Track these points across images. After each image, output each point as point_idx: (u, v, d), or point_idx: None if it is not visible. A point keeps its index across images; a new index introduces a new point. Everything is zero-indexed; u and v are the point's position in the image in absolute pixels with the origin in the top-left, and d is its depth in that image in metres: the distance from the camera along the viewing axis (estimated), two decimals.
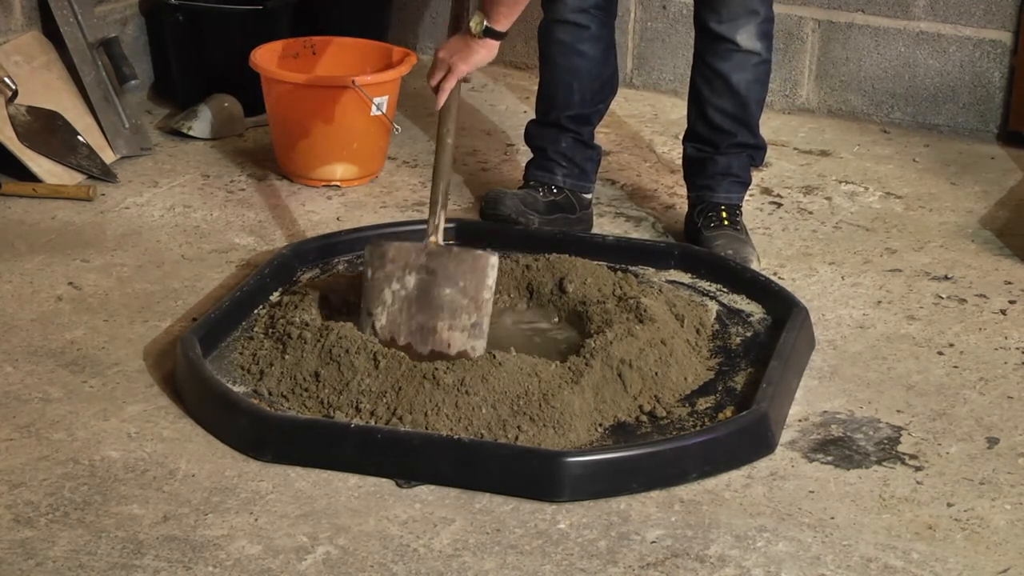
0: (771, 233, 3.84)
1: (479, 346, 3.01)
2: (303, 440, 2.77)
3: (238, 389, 2.96)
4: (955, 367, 3.20)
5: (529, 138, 3.86)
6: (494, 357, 2.91)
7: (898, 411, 3.02)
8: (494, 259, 3.05)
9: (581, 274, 3.32)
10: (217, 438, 2.84)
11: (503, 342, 3.10)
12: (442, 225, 3.16)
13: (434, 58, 3.25)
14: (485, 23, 3.18)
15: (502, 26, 3.20)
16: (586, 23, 3.67)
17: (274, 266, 3.37)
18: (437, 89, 3.23)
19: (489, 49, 3.23)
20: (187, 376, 2.97)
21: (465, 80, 3.25)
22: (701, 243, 3.63)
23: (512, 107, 4.63)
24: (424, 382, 2.85)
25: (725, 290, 3.44)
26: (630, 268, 3.49)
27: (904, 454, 2.87)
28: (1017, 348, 3.28)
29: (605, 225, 3.84)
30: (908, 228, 3.89)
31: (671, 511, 2.67)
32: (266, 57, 4.09)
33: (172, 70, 4.53)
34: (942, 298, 3.51)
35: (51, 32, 4.23)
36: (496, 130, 4.47)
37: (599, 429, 2.88)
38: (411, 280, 3.05)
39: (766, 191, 4.09)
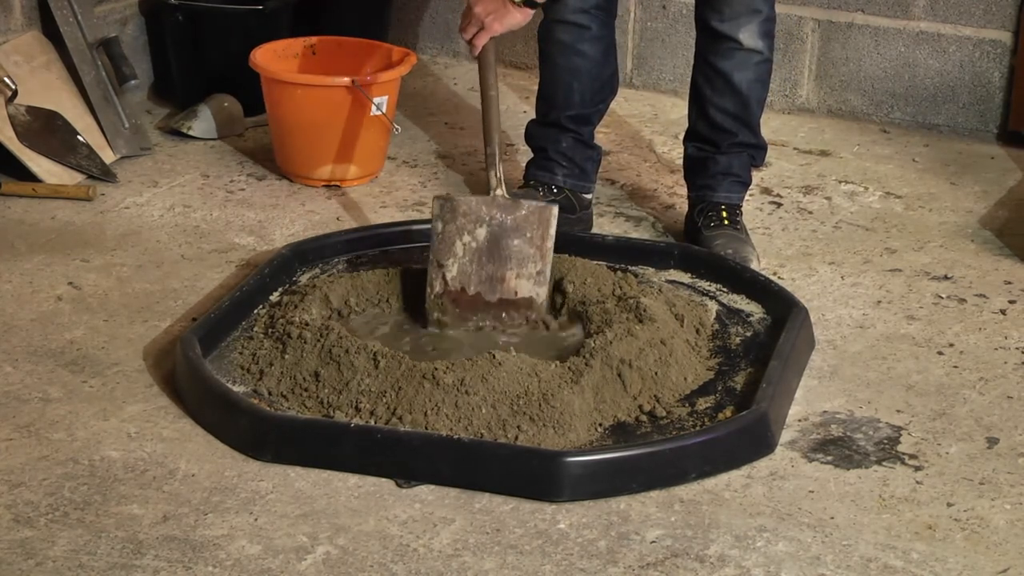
0: (771, 233, 3.84)
1: (542, 292, 3.20)
2: (303, 440, 2.77)
3: (238, 389, 2.96)
4: (955, 367, 3.20)
5: (529, 138, 3.86)
6: (494, 357, 2.91)
7: (898, 411, 3.02)
8: (555, 209, 3.24)
9: (581, 274, 3.32)
10: (217, 438, 2.84)
11: (503, 342, 3.11)
12: (503, 177, 3.28)
13: (467, 9, 3.33)
14: None
15: None
16: (587, 23, 3.67)
17: (274, 266, 3.37)
18: (472, 41, 3.33)
19: (524, 15, 3.33)
20: (187, 376, 2.97)
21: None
22: (701, 243, 3.63)
23: (512, 107, 4.63)
24: (424, 382, 2.85)
25: (725, 290, 3.44)
26: (630, 268, 3.49)
27: (904, 454, 2.87)
28: (1017, 348, 3.28)
29: (605, 225, 3.84)
30: (908, 228, 3.89)
31: (671, 511, 2.67)
32: (266, 57, 4.09)
33: (172, 70, 4.53)
34: (942, 298, 3.51)
35: (51, 32, 4.23)
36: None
37: (599, 429, 2.88)
38: (481, 232, 3.19)
39: (766, 191, 4.09)
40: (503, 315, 3.20)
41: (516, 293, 3.19)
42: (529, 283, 3.20)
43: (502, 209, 3.22)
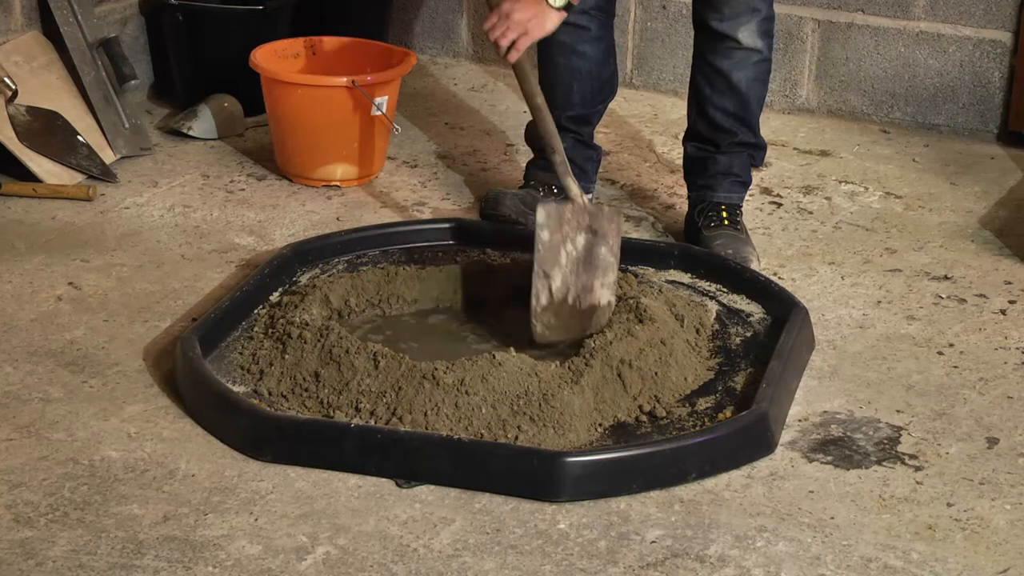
0: (771, 233, 3.84)
1: (613, 300, 3.18)
2: (303, 440, 2.77)
3: (238, 389, 2.96)
4: (955, 367, 3.20)
5: (529, 138, 3.86)
6: (494, 357, 2.91)
7: (898, 411, 3.02)
8: (622, 215, 3.27)
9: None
10: (217, 438, 2.84)
11: (503, 342, 3.11)
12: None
13: (502, 13, 3.26)
14: None
15: (578, 1, 3.29)
16: (586, 24, 3.67)
17: (274, 266, 3.37)
18: (512, 48, 3.26)
19: (560, 17, 3.31)
20: (187, 376, 2.97)
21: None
22: (701, 243, 3.63)
23: (512, 107, 4.63)
24: (424, 382, 2.85)
25: (725, 290, 3.44)
26: (630, 268, 3.49)
27: (904, 454, 2.87)
28: (1017, 348, 3.28)
29: None
30: (908, 228, 3.89)
31: (671, 511, 2.67)
32: (266, 57, 4.09)
33: (172, 70, 4.53)
34: (942, 298, 3.51)
35: (51, 32, 4.23)
36: (496, 130, 4.47)
37: (599, 429, 2.88)
38: (581, 240, 3.18)
39: (766, 191, 4.09)
40: (589, 324, 3.15)
41: (599, 302, 3.16)
42: (607, 291, 3.17)
43: (592, 217, 3.20)
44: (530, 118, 3.85)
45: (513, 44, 3.26)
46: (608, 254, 3.18)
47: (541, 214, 3.16)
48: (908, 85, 4.54)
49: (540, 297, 3.13)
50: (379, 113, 3.97)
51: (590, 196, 3.82)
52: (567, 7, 3.28)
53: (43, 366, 3.09)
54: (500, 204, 3.70)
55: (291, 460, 2.76)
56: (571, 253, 3.16)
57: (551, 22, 3.29)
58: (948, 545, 2.59)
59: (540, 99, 3.31)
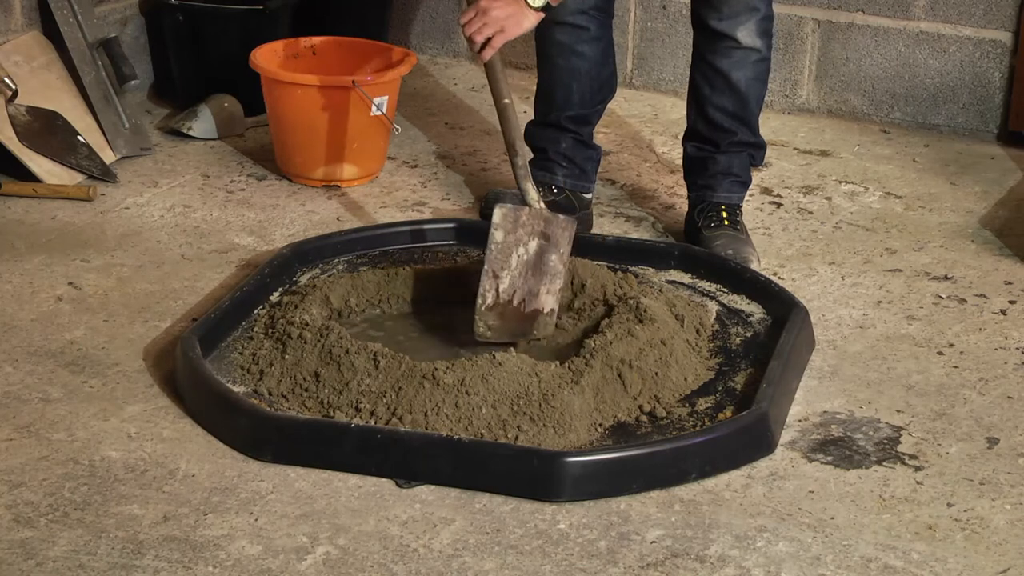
0: (771, 233, 3.84)
1: (556, 308, 3.17)
2: (303, 440, 2.77)
3: (238, 389, 2.96)
4: (955, 367, 3.20)
5: (529, 138, 3.85)
6: (494, 357, 2.91)
7: (898, 411, 3.02)
8: (575, 224, 3.23)
9: (581, 274, 3.32)
10: (217, 438, 2.84)
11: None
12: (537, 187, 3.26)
13: (480, 8, 3.23)
14: None
15: (557, 1, 3.26)
16: (585, 24, 3.67)
17: (274, 266, 3.37)
18: (486, 45, 3.23)
19: (537, 18, 3.28)
20: (187, 376, 2.97)
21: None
22: (701, 243, 3.63)
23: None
24: (424, 382, 2.85)
25: (725, 290, 3.44)
26: (630, 268, 3.49)
27: (904, 454, 2.87)
28: (1017, 348, 3.28)
29: (605, 225, 3.84)
30: (908, 228, 3.89)
31: (671, 511, 2.67)
32: (266, 57, 4.09)
33: (172, 70, 4.53)
34: (942, 298, 3.51)
35: (51, 32, 4.23)
36: (496, 130, 4.46)
37: (599, 429, 2.88)
38: (533, 245, 3.16)
39: (766, 191, 4.09)
40: (531, 328, 3.15)
41: (543, 308, 3.15)
42: (552, 298, 3.15)
43: (547, 222, 3.19)
44: (530, 118, 3.87)
45: (488, 41, 3.24)
46: (558, 262, 3.17)
47: (497, 214, 3.16)
48: (908, 85, 4.54)
49: (487, 296, 3.13)
50: (379, 113, 3.97)
51: (590, 196, 3.83)
52: (545, 7, 3.26)
53: (43, 366, 3.09)
54: (500, 204, 3.70)
55: (291, 460, 2.76)
56: (522, 256, 3.15)
57: (528, 21, 3.27)
58: (948, 545, 2.59)
59: (508, 100, 3.28)
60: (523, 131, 3.86)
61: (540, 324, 3.15)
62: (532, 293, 3.15)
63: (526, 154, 3.30)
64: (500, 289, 3.13)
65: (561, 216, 3.22)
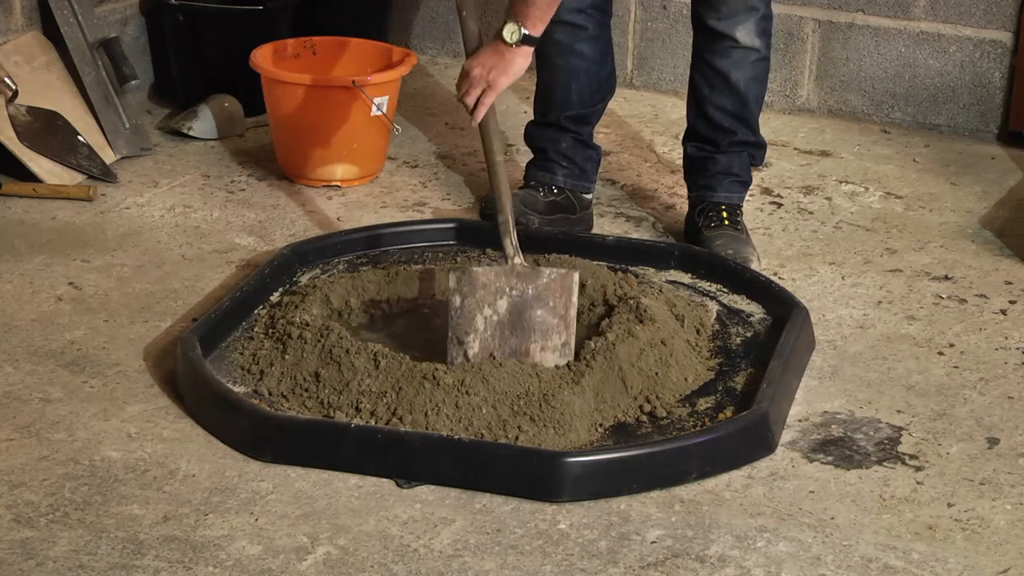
0: (771, 233, 3.84)
1: (564, 364, 3.01)
2: (303, 440, 2.77)
3: (238, 389, 2.96)
4: (955, 367, 3.20)
5: (529, 138, 3.86)
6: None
7: (898, 411, 3.02)
8: (578, 276, 3.06)
9: (581, 274, 3.31)
10: (217, 438, 2.84)
11: None
12: (518, 245, 3.10)
13: (464, 73, 3.12)
14: (522, 30, 3.08)
15: (538, 31, 3.11)
16: (583, 23, 3.67)
17: (274, 266, 3.37)
18: (476, 104, 3.11)
19: (526, 57, 3.12)
20: (187, 376, 2.97)
21: None
22: (701, 243, 3.63)
23: (512, 107, 4.63)
24: (424, 382, 2.85)
25: (725, 290, 3.44)
26: (630, 268, 3.49)
27: (904, 454, 2.87)
28: (1017, 348, 3.28)
29: (605, 225, 3.84)
30: (908, 228, 3.89)
31: (671, 511, 2.67)
32: (266, 57, 4.09)
33: (172, 70, 4.53)
34: (942, 298, 3.51)
35: (51, 32, 4.23)
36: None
37: (599, 429, 2.88)
38: (503, 304, 3.02)
39: (766, 191, 4.09)
40: None
41: (542, 366, 2.98)
42: (554, 355, 3.01)
43: (522, 278, 3.03)
44: (530, 118, 3.87)
45: (479, 101, 3.10)
46: (548, 316, 3.01)
47: (452, 280, 3.01)
48: (908, 85, 4.54)
49: (455, 364, 2.99)
50: (379, 113, 3.97)
51: (590, 196, 3.83)
52: (527, 41, 3.11)
53: (43, 366, 3.09)
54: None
55: (291, 460, 2.76)
56: (490, 318, 3.00)
57: (516, 64, 3.11)
58: (948, 545, 2.59)
59: (499, 157, 3.13)
60: (523, 132, 3.87)
61: None
62: (519, 353, 3.00)
63: (509, 213, 3.12)
64: (470, 354, 3.00)
65: (548, 269, 3.06)
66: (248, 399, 2.90)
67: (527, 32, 3.10)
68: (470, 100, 3.11)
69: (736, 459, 2.80)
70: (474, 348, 3.00)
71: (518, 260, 3.09)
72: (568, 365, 2.96)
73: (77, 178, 4.00)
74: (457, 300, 3.00)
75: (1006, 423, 2.99)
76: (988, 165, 4.31)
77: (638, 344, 3.01)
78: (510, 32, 3.09)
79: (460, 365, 2.95)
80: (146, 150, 4.21)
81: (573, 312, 3.04)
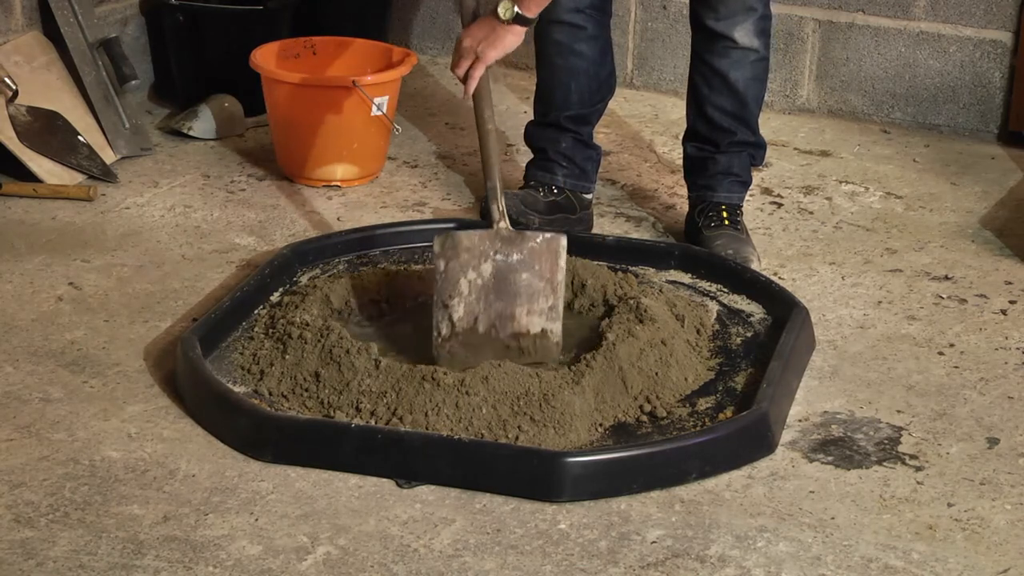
0: (771, 233, 3.84)
1: (556, 328, 3.04)
2: (303, 440, 2.77)
3: (238, 389, 2.96)
4: (955, 367, 3.20)
5: (529, 138, 3.86)
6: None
7: (898, 411, 3.02)
8: (564, 240, 3.07)
9: (581, 274, 3.32)
10: (217, 438, 2.84)
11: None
12: (505, 210, 3.13)
13: (457, 46, 3.17)
14: (516, 9, 3.12)
15: (532, 12, 3.14)
16: (582, 23, 3.67)
17: (274, 266, 3.37)
18: (465, 78, 3.15)
19: (517, 35, 3.15)
20: (187, 376, 2.97)
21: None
22: (701, 243, 3.63)
23: (512, 107, 4.63)
24: (424, 382, 2.85)
25: (725, 290, 3.44)
26: (630, 268, 3.49)
27: (904, 454, 2.87)
28: (1017, 348, 3.28)
29: (605, 225, 3.84)
30: (908, 228, 3.89)
31: (671, 511, 2.67)
32: (266, 57, 4.09)
33: (172, 70, 4.53)
34: (942, 298, 3.51)
35: (51, 32, 4.23)
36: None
37: (599, 429, 2.88)
38: (487, 268, 3.03)
39: (766, 191, 4.09)
40: (518, 353, 3.03)
41: (528, 330, 3.03)
42: (541, 319, 3.03)
43: (507, 243, 3.04)
44: (530, 118, 3.87)
45: (468, 73, 3.14)
46: (534, 280, 3.02)
47: (436, 244, 3.03)
48: (908, 85, 4.54)
49: (440, 327, 3.02)
50: (379, 113, 3.97)
51: (590, 196, 3.83)
52: (520, 20, 3.13)
53: (43, 366, 3.09)
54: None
55: (291, 460, 2.76)
56: (475, 281, 3.02)
57: (505, 41, 3.13)
58: (948, 545, 2.59)
59: (491, 126, 3.16)
60: (523, 132, 3.87)
61: (534, 347, 3.05)
62: (505, 316, 3.02)
63: (497, 179, 3.15)
64: (455, 318, 3.01)
65: (534, 233, 3.09)
66: (248, 399, 2.91)
67: (520, 11, 3.13)
68: (460, 71, 3.16)
69: (736, 459, 2.80)
70: (459, 311, 3.01)
71: (503, 224, 3.09)
72: (568, 365, 2.96)
73: (77, 178, 4.00)
74: (441, 264, 3.02)
75: (1006, 423, 2.99)
76: (988, 165, 4.31)
77: (638, 344, 3.01)
78: (504, 8, 3.13)
79: (448, 337, 2.99)
80: (146, 150, 4.21)
81: (560, 276, 3.05)
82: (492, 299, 3.03)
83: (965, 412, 3.03)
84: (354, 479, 2.73)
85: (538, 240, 3.06)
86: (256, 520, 2.60)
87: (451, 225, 3.63)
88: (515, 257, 3.04)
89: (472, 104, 3.20)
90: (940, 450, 2.89)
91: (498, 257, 3.04)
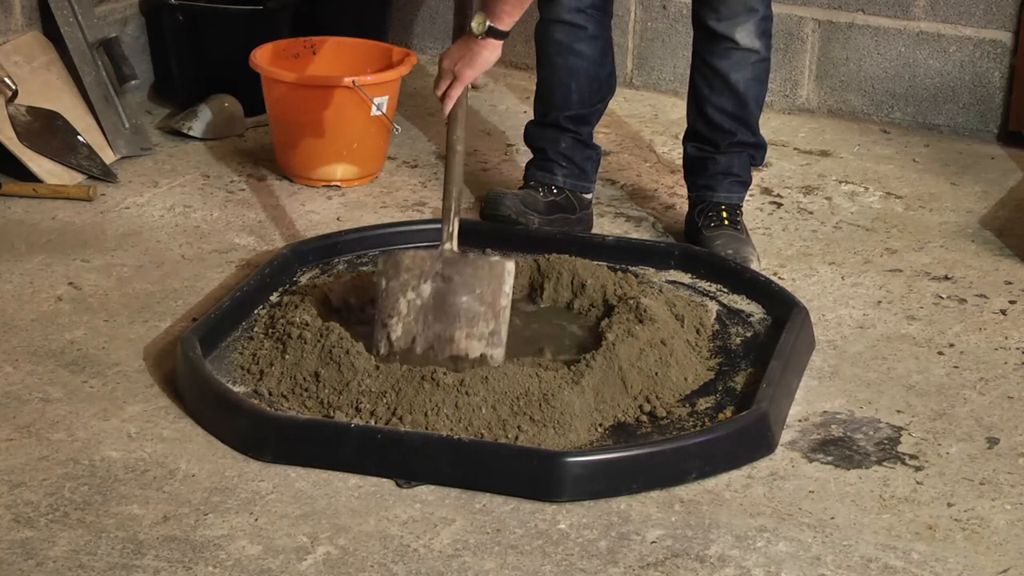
0: (771, 233, 3.84)
1: (497, 354, 2.99)
2: (303, 440, 2.77)
3: (238, 389, 2.96)
4: (955, 367, 3.20)
5: (529, 138, 3.86)
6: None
7: (898, 411, 3.02)
8: (511, 265, 3.03)
9: (581, 274, 3.32)
10: (217, 438, 2.84)
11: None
12: (456, 232, 3.12)
13: (438, 67, 3.20)
14: (488, 23, 3.14)
15: (505, 25, 3.15)
16: (583, 23, 3.67)
17: (274, 266, 3.37)
18: (444, 97, 3.18)
19: (492, 50, 3.17)
20: (187, 376, 2.97)
21: (474, 87, 3.20)
22: (701, 243, 3.63)
23: (512, 107, 4.63)
24: (424, 383, 2.85)
25: (725, 290, 3.44)
26: (630, 268, 3.49)
27: (904, 454, 2.87)
28: (1017, 348, 3.28)
29: (605, 225, 3.84)
30: (908, 228, 3.89)
31: (671, 511, 2.67)
32: (266, 57, 4.09)
33: (172, 70, 4.53)
34: (942, 298, 3.51)
35: (51, 32, 4.23)
36: (496, 130, 4.47)
37: (599, 429, 2.88)
38: (427, 288, 3.01)
39: (766, 191, 4.09)
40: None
41: (467, 354, 2.98)
42: (481, 344, 2.98)
43: (449, 264, 3.02)
44: (530, 118, 3.87)
45: (446, 94, 3.17)
46: (475, 303, 2.98)
47: (380, 262, 3.05)
48: (908, 85, 4.54)
49: (379, 346, 3.01)
50: (379, 113, 3.97)
51: (590, 196, 3.83)
52: (494, 34, 3.14)
53: (43, 366, 3.09)
54: (500, 204, 3.70)
55: (291, 460, 2.76)
56: (414, 301, 3.00)
57: (481, 59, 3.15)
58: (948, 545, 2.59)
59: (460, 147, 3.18)
60: (523, 132, 3.87)
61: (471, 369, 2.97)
62: (444, 339, 2.99)
63: (453, 200, 3.15)
64: (393, 337, 3.00)
65: (479, 257, 3.08)
66: (248, 399, 2.91)
67: (493, 25, 3.14)
68: (439, 92, 3.19)
69: (736, 459, 2.80)
70: (397, 331, 3.00)
71: (448, 246, 3.09)
72: (568, 365, 2.96)
73: (77, 178, 4.00)
74: (383, 283, 3.03)
75: (1006, 423, 2.99)
76: (988, 165, 4.31)
77: (638, 344, 3.01)
78: (477, 24, 3.14)
79: (386, 356, 2.97)
80: (146, 150, 4.21)
81: (503, 301, 3.00)
82: (431, 320, 3.00)
83: (965, 412, 3.03)
84: (354, 479, 2.73)
85: (482, 264, 3.03)
86: (256, 520, 2.60)
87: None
88: (456, 279, 3.01)
89: (446, 124, 3.21)
90: (940, 450, 2.89)
91: (439, 279, 3.02)
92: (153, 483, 2.70)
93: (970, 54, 4.45)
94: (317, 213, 3.87)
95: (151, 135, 4.30)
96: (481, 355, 2.98)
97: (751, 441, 2.83)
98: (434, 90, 3.21)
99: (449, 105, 3.18)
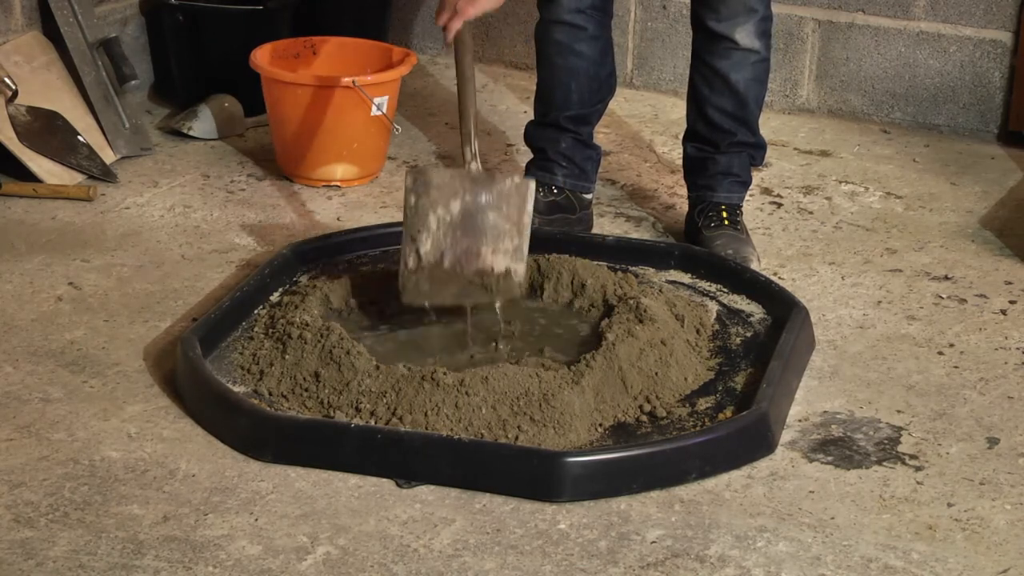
0: (771, 233, 3.84)
1: (520, 269, 3.10)
2: (303, 440, 2.77)
3: (238, 389, 2.96)
4: (955, 367, 3.20)
5: (529, 139, 3.86)
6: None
7: (898, 411, 3.02)
8: (533, 184, 3.15)
9: (581, 274, 3.32)
10: (217, 438, 2.84)
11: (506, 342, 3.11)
12: (478, 151, 3.20)
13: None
14: None
15: None
16: (583, 24, 3.67)
17: (274, 266, 3.37)
18: (444, 28, 3.24)
19: None
20: (187, 376, 2.97)
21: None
22: (701, 243, 3.63)
23: (512, 107, 4.63)
24: (424, 383, 2.85)
25: (725, 290, 3.44)
26: (630, 268, 3.49)
27: (904, 454, 2.87)
28: (1017, 348, 3.28)
29: (605, 225, 3.85)
30: (908, 228, 3.89)
31: (671, 511, 2.67)
32: (266, 57, 4.09)
33: (172, 70, 4.53)
34: (942, 298, 3.51)
35: (51, 32, 4.23)
36: (496, 130, 4.47)
37: (599, 429, 2.88)
38: (456, 206, 3.09)
39: (766, 191, 4.09)
40: (481, 291, 3.10)
41: (492, 268, 3.09)
42: (505, 258, 3.08)
43: (477, 183, 3.12)
44: (530, 118, 3.87)
45: (447, 25, 3.24)
46: (501, 220, 3.09)
47: (408, 180, 3.12)
48: (908, 85, 4.54)
49: (408, 260, 3.09)
50: (379, 113, 3.97)
51: (590, 196, 3.83)
52: None
53: (43, 366, 3.09)
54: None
55: (291, 460, 2.76)
56: (443, 218, 3.09)
57: (484, 2, 3.22)
58: (948, 545, 2.60)
59: (470, 72, 3.25)
60: (523, 132, 3.87)
61: (496, 286, 3.11)
62: (471, 253, 3.09)
63: (471, 124, 3.22)
64: (422, 252, 3.08)
65: (511, 178, 3.16)
66: (248, 399, 2.91)
67: None
68: (440, 22, 3.26)
69: (736, 459, 2.80)
70: (426, 246, 3.07)
71: (474, 166, 3.17)
72: (568, 365, 2.96)
73: (77, 178, 4.00)
74: (412, 199, 3.10)
75: (1006, 423, 2.99)
76: (988, 165, 4.31)
77: (638, 344, 3.01)
78: None
79: (414, 270, 3.07)
80: (146, 150, 4.21)
81: (527, 219, 3.12)
82: (459, 236, 3.09)
83: (965, 412, 3.03)
84: (354, 479, 2.73)
85: (507, 183, 3.14)
86: (256, 520, 2.60)
87: None
88: (484, 197, 3.10)
89: (454, 53, 3.29)
90: (940, 450, 2.89)
91: (467, 196, 3.10)
92: (153, 483, 2.70)
93: (970, 54, 4.45)
94: (317, 213, 3.87)
95: (151, 135, 4.30)
96: (506, 269, 3.08)
97: (751, 441, 2.84)
98: (435, 18, 3.28)
99: (450, 36, 3.25)
